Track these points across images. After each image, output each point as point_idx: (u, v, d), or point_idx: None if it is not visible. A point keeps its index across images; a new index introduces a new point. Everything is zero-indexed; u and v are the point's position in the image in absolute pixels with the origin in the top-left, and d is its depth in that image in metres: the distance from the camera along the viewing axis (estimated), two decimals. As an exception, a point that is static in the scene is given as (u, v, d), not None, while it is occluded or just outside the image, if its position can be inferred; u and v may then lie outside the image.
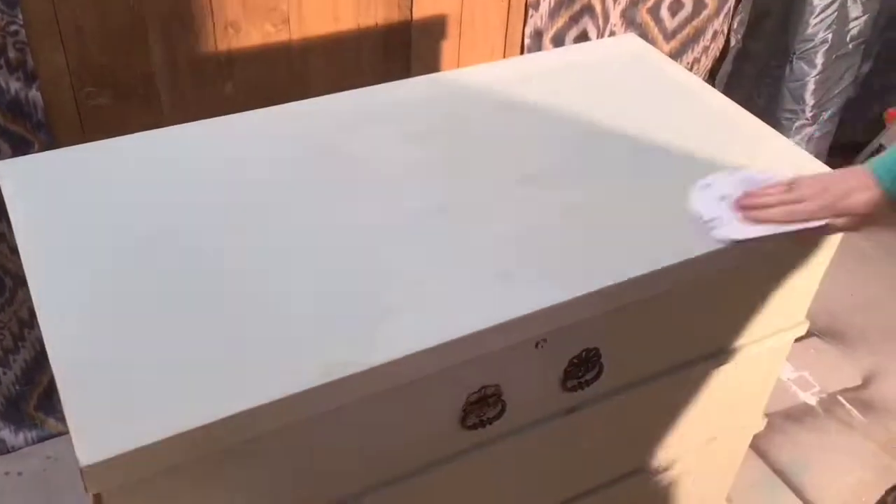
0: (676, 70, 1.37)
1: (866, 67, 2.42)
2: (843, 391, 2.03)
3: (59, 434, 1.78)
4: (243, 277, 0.94)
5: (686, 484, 1.43)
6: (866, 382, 2.06)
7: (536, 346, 0.99)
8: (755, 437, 1.52)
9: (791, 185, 1.04)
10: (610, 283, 0.96)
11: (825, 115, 2.25)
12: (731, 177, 1.11)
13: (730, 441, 1.42)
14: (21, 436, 1.76)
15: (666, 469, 1.35)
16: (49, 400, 1.78)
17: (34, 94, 1.38)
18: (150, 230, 0.99)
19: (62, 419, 1.78)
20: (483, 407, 1.01)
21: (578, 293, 0.95)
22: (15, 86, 1.36)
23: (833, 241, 1.20)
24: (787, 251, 1.16)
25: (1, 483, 1.70)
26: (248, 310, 0.90)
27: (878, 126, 2.48)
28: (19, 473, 1.72)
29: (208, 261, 0.95)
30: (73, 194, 1.03)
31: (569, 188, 1.11)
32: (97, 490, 0.76)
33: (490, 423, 1.03)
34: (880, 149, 2.32)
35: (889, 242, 2.47)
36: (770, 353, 1.29)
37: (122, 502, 0.79)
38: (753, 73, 2.22)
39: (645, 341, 1.11)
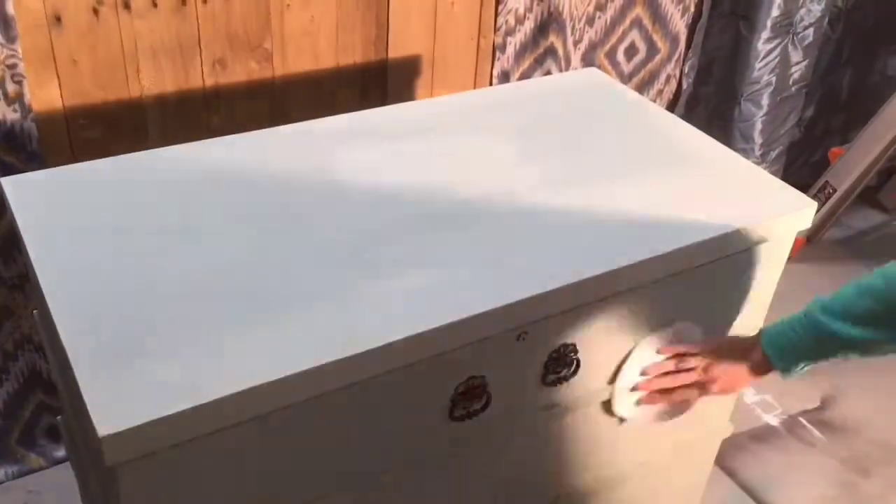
0: (635, 96, 1.49)
1: (809, 111, 2.59)
2: (804, 412, 2.12)
3: (41, 469, 1.78)
4: (237, 272, 1.00)
5: (659, 489, 1.49)
6: (825, 404, 2.15)
7: (518, 338, 1.06)
8: (723, 455, 1.58)
9: (684, 360, 1.19)
10: (584, 276, 1.04)
11: (773, 154, 2.39)
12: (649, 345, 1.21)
13: (701, 445, 1.49)
14: (2, 470, 1.76)
15: (641, 473, 1.41)
16: (31, 435, 1.78)
17: (29, 125, 1.44)
18: (151, 230, 1.05)
19: (43, 454, 1.79)
20: (470, 398, 1.07)
21: (554, 286, 1.03)
22: (11, 117, 1.42)
23: (781, 257, 1.30)
24: (746, 257, 1.25)
25: (-19, 518, 1.69)
26: (242, 302, 0.95)
27: (823, 166, 2.63)
28: (-1, 508, 1.72)
29: (206, 257, 1.01)
30: (72, 206, 1.08)
31: (544, 196, 1.19)
32: (114, 462, 0.80)
33: (476, 415, 1.09)
34: (825, 185, 2.47)
35: (836, 273, 2.60)
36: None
37: (136, 475, 0.83)
38: (705, 115, 2.37)
39: (618, 341, 1.18)
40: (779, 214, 1.22)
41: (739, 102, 2.30)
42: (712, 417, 1.43)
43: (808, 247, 2.59)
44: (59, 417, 1.45)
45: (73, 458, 1.45)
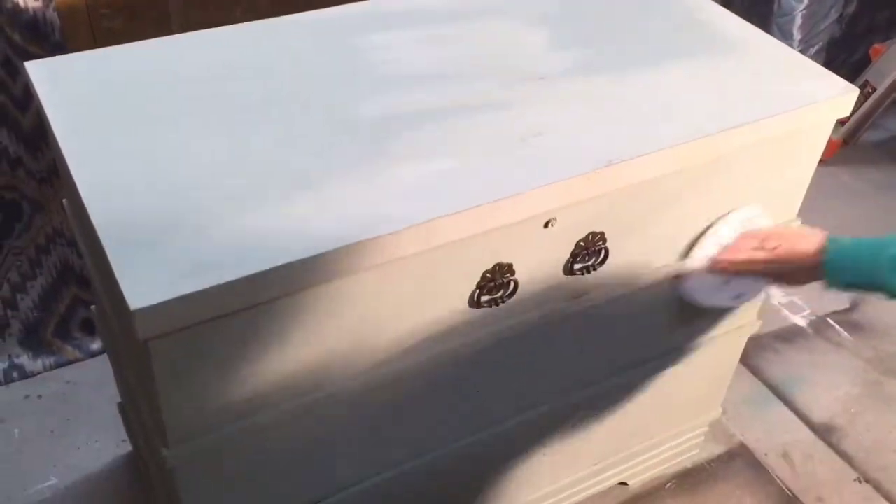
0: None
1: (852, 7, 2.49)
2: (833, 314, 2.11)
3: (77, 360, 1.83)
4: (261, 156, 0.99)
5: (684, 382, 1.50)
6: (854, 306, 2.14)
7: (546, 225, 1.05)
8: (748, 354, 1.59)
9: (761, 246, 1.17)
10: (613, 162, 1.02)
11: (812, 51, 2.31)
12: (730, 223, 1.22)
13: (729, 339, 1.49)
14: (39, 361, 1.81)
15: (666, 365, 1.42)
16: (66, 327, 1.83)
17: (51, 14, 1.42)
18: (176, 114, 1.04)
19: (79, 346, 1.84)
20: (496, 286, 1.07)
21: (582, 171, 1.01)
22: (33, 5, 1.40)
23: (819, 145, 1.27)
24: (782, 146, 1.22)
25: (22, 405, 1.75)
26: (267, 185, 0.95)
27: (864, 66, 2.55)
28: (39, 396, 1.77)
29: (230, 141, 1.00)
30: (97, 91, 1.07)
31: (576, 81, 1.16)
32: (146, 336, 0.82)
33: (503, 302, 1.09)
34: (865, 84, 2.39)
35: (875, 177, 2.55)
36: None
37: (168, 349, 0.85)
38: (742, 10, 2.27)
39: (648, 228, 1.17)
40: (820, 99, 1.18)
41: (779, -4, 2.21)
42: (740, 312, 1.43)
43: (845, 148, 2.53)
44: (92, 307, 1.48)
45: (109, 347, 1.49)
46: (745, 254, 1.17)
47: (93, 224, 0.88)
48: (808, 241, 1.12)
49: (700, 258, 1.22)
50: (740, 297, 1.30)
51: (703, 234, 1.22)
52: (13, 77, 1.48)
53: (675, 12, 1.35)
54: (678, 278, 1.24)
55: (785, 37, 2.26)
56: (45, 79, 1.08)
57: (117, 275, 0.82)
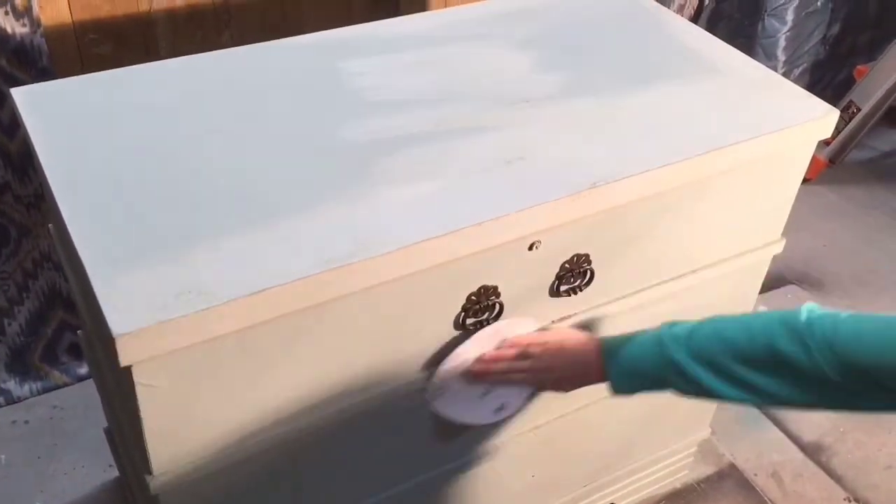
0: (654, 5, 1.45)
1: (835, 29, 2.52)
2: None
3: (64, 385, 1.83)
4: (247, 179, 0.99)
5: (673, 402, 1.49)
6: None
7: (530, 248, 1.06)
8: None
9: (524, 352, 1.08)
10: (596, 184, 1.03)
11: (796, 72, 2.34)
12: (478, 339, 1.09)
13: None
14: (26, 387, 1.80)
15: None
16: (53, 352, 1.82)
17: (39, 40, 1.43)
18: (162, 138, 1.04)
19: (66, 371, 1.83)
20: (482, 308, 1.07)
21: (566, 194, 1.02)
22: (20, 31, 1.41)
23: (801, 166, 1.28)
24: (764, 168, 1.23)
25: (8, 431, 1.74)
26: (252, 208, 0.95)
27: (848, 87, 2.57)
28: (26, 422, 1.76)
29: (216, 164, 1.01)
30: (82, 116, 1.08)
31: (560, 104, 1.17)
32: (128, 361, 0.81)
33: (488, 324, 1.09)
34: (850, 105, 2.41)
35: (860, 196, 2.57)
36: (746, 269, 1.36)
37: (150, 374, 0.84)
38: (727, 32, 2.31)
39: (633, 250, 1.18)
40: (801, 121, 1.19)
41: (763, 18, 2.24)
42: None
43: (830, 168, 2.55)
44: (79, 331, 1.48)
45: (95, 371, 1.48)
46: (506, 363, 1.08)
47: (76, 249, 0.88)
48: (578, 343, 1.06)
49: (452, 369, 1.08)
50: (503, 410, 1.17)
51: (455, 344, 1.08)
52: (0, 103, 1.48)
53: (658, 36, 1.37)
54: (427, 392, 1.08)
55: (769, 58, 2.29)
56: (31, 105, 1.08)
57: (100, 299, 0.82)
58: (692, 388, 0.95)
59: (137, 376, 0.84)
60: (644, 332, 1.01)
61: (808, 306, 0.88)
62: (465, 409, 1.13)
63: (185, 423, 0.92)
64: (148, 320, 0.80)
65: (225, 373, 0.90)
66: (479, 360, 1.09)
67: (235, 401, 0.93)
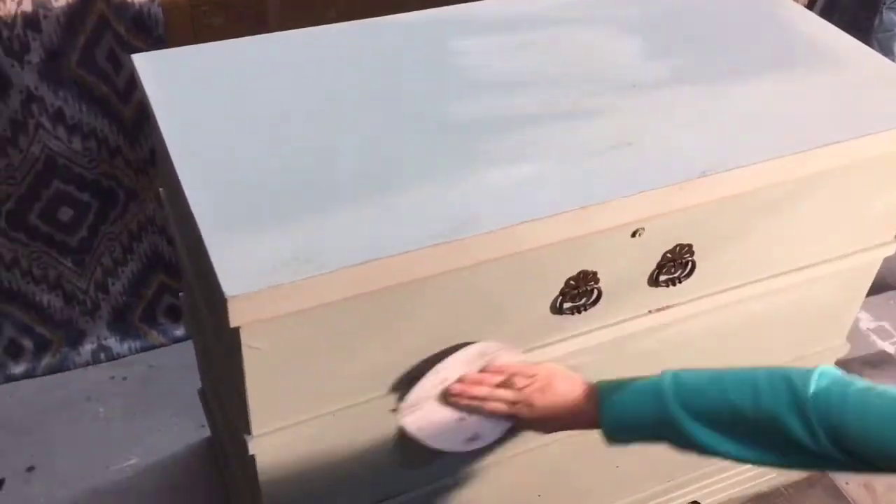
0: (771, -4, 1.40)
1: (958, 24, 2.39)
2: (923, 342, 2.03)
3: (160, 345, 1.89)
4: (354, 152, 1.00)
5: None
6: (947, 335, 2.05)
7: (633, 234, 1.04)
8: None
9: (508, 381, 1.01)
10: (706, 174, 1.01)
11: (914, 69, 2.23)
12: (461, 357, 1.03)
13: (815, 361, 1.44)
14: (126, 345, 1.87)
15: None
16: (152, 313, 1.89)
17: (156, 9, 1.47)
18: (273, 109, 1.06)
19: (163, 332, 1.90)
20: (580, 293, 1.06)
21: (673, 182, 1.00)
22: (139, 0, 1.45)
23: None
24: (880, 166, 1.18)
25: (108, 386, 1.82)
26: (359, 181, 0.96)
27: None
28: (124, 378, 1.84)
29: (324, 137, 1.02)
30: (198, 83, 1.11)
31: (670, 90, 1.15)
32: (237, 323, 0.84)
33: (585, 310, 1.08)
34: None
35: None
36: (853, 271, 1.31)
37: (256, 337, 0.87)
38: (841, 25, 2.21)
39: (737, 244, 1.15)
40: (924, 119, 1.13)
41: (881, 11, 2.13)
42: (828, 334, 1.39)
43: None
44: (180, 294, 1.53)
45: (195, 334, 1.53)
46: (486, 389, 1.01)
47: (191, 210, 0.90)
48: (569, 385, 0.98)
49: (430, 386, 1.01)
50: (476, 440, 1.07)
51: (430, 363, 1.01)
52: (117, 70, 1.54)
53: (774, 23, 1.32)
54: (399, 413, 1.02)
55: (885, 52, 2.18)
56: (151, 71, 1.11)
57: (213, 261, 0.84)
58: (687, 444, 0.89)
59: (245, 338, 0.86)
60: (642, 379, 0.93)
61: (820, 370, 0.82)
62: (436, 433, 1.05)
63: (287, 386, 0.94)
64: (258, 284, 0.82)
65: (327, 339, 0.92)
66: (461, 379, 1.02)
67: (335, 367, 0.95)
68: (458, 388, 1.02)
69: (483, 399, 1.01)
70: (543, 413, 0.99)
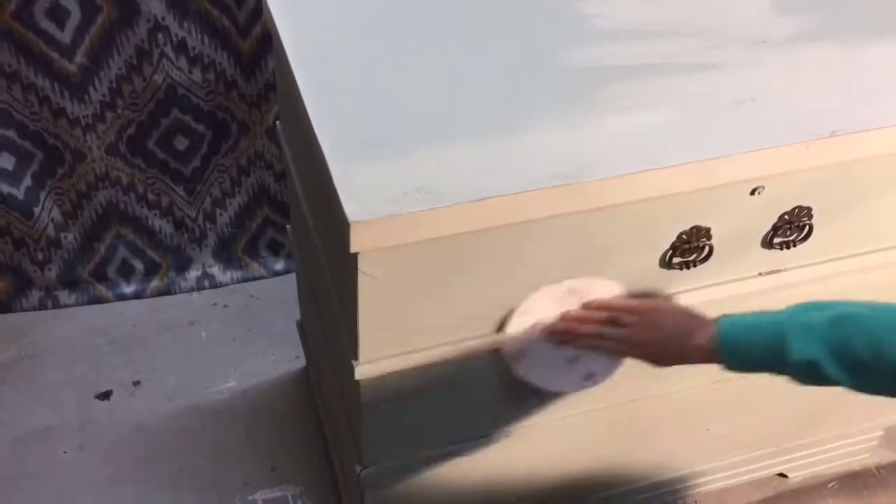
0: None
1: None
2: None
3: (261, 277, 1.96)
4: (474, 91, 1.01)
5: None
6: None
7: (752, 192, 1.02)
8: None
9: (616, 318, 1.00)
10: (836, 133, 0.97)
11: None
12: (549, 295, 1.01)
13: None
14: (228, 274, 1.95)
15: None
16: (255, 245, 1.95)
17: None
18: (397, 42, 1.07)
19: (264, 264, 1.96)
20: (691, 248, 1.05)
21: (798, 140, 0.97)
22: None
23: None
24: None
25: (210, 312, 1.89)
26: (479, 119, 0.97)
27: None
28: (225, 306, 1.91)
29: (446, 73, 1.03)
30: (323, 10, 1.11)
31: (799, 47, 1.11)
32: (357, 248, 0.86)
33: (694, 266, 1.07)
34: None
35: None
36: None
37: (372, 265, 0.89)
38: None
39: (859, 211, 1.11)
40: None
41: None
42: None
43: None
44: (288, 226, 1.57)
45: (300, 266, 1.58)
46: (592, 327, 1.01)
47: (316, 136, 0.92)
48: (682, 320, 0.97)
49: (528, 328, 1.00)
50: (591, 379, 1.08)
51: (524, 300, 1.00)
52: (239, 4, 1.57)
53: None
54: (501, 353, 1.02)
55: None
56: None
57: (336, 186, 0.86)
58: (820, 381, 0.88)
59: (362, 265, 0.88)
60: (765, 314, 0.92)
61: None
62: (551, 376, 1.06)
63: (397, 316, 0.96)
64: (379, 212, 0.84)
65: (440, 274, 0.94)
66: (563, 317, 1.02)
67: (445, 301, 0.97)
68: (562, 326, 1.02)
69: (591, 337, 1.01)
70: (659, 350, 0.99)
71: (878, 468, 1.66)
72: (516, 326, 1.02)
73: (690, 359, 0.97)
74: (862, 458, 1.64)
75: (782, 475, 1.61)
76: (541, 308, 1.02)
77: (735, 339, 0.93)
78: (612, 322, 1.01)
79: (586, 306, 1.03)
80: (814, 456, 1.59)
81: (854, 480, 1.64)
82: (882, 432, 1.60)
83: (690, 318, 0.98)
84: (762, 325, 0.91)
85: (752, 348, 0.92)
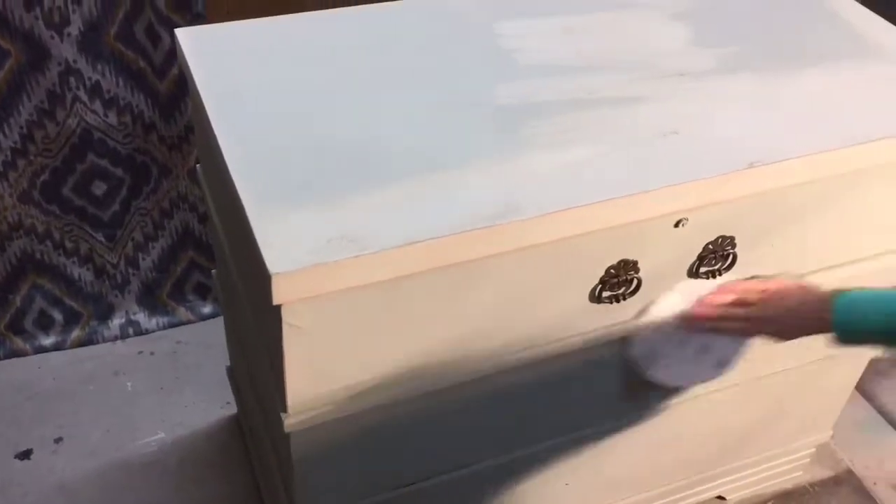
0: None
1: None
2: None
3: (188, 322, 1.90)
4: (396, 134, 1.00)
5: (797, 400, 1.45)
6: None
7: (676, 224, 1.03)
8: (864, 379, 1.53)
9: (742, 300, 1.05)
10: (754, 164, 0.99)
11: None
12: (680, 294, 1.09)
13: (848, 361, 1.43)
14: (154, 320, 1.88)
15: (780, 379, 1.37)
16: (181, 289, 1.89)
17: (197, -15, 1.47)
18: (313, 87, 1.05)
19: (191, 308, 1.90)
20: (619, 283, 1.05)
21: (720, 172, 0.98)
22: (180, -24, 1.45)
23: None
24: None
25: (135, 361, 1.83)
26: (402, 163, 0.95)
27: None
28: (151, 353, 1.84)
29: (365, 117, 1.02)
30: (239, 60, 1.10)
31: (717, 79, 1.13)
32: (280, 301, 0.83)
33: (624, 299, 1.07)
34: None
35: None
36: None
37: (297, 316, 0.86)
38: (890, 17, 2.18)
39: (780, 238, 1.13)
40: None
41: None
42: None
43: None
44: (213, 271, 1.53)
45: (226, 311, 1.53)
46: (722, 309, 1.05)
47: (234, 186, 0.90)
48: (802, 294, 1.01)
49: (656, 329, 1.05)
50: (722, 365, 1.14)
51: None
52: (155, 44, 1.53)
53: (821, 13, 1.30)
54: (638, 361, 1.07)
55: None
56: (194, 46, 1.11)
57: (257, 238, 0.84)
58: None
59: (286, 316, 0.86)
60: (882, 290, 0.97)
61: None
62: (685, 372, 1.13)
63: (325, 367, 0.93)
64: (302, 262, 0.82)
65: (368, 321, 0.91)
66: (700, 303, 1.08)
67: (375, 349, 0.95)
68: (701, 310, 1.07)
69: (721, 319, 1.06)
70: (782, 325, 1.03)
71: (812, 485, 1.69)
72: (644, 333, 1.08)
73: (812, 331, 1.00)
74: (796, 476, 1.67)
75: (721, 497, 1.62)
76: (665, 311, 1.06)
77: (852, 312, 0.96)
78: (739, 304, 1.05)
79: (719, 291, 1.08)
80: (750, 476, 1.60)
81: (789, 498, 1.66)
82: (814, 449, 1.63)
83: (809, 292, 1.02)
84: (882, 297, 0.96)
85: (870, 316, 0.95)
